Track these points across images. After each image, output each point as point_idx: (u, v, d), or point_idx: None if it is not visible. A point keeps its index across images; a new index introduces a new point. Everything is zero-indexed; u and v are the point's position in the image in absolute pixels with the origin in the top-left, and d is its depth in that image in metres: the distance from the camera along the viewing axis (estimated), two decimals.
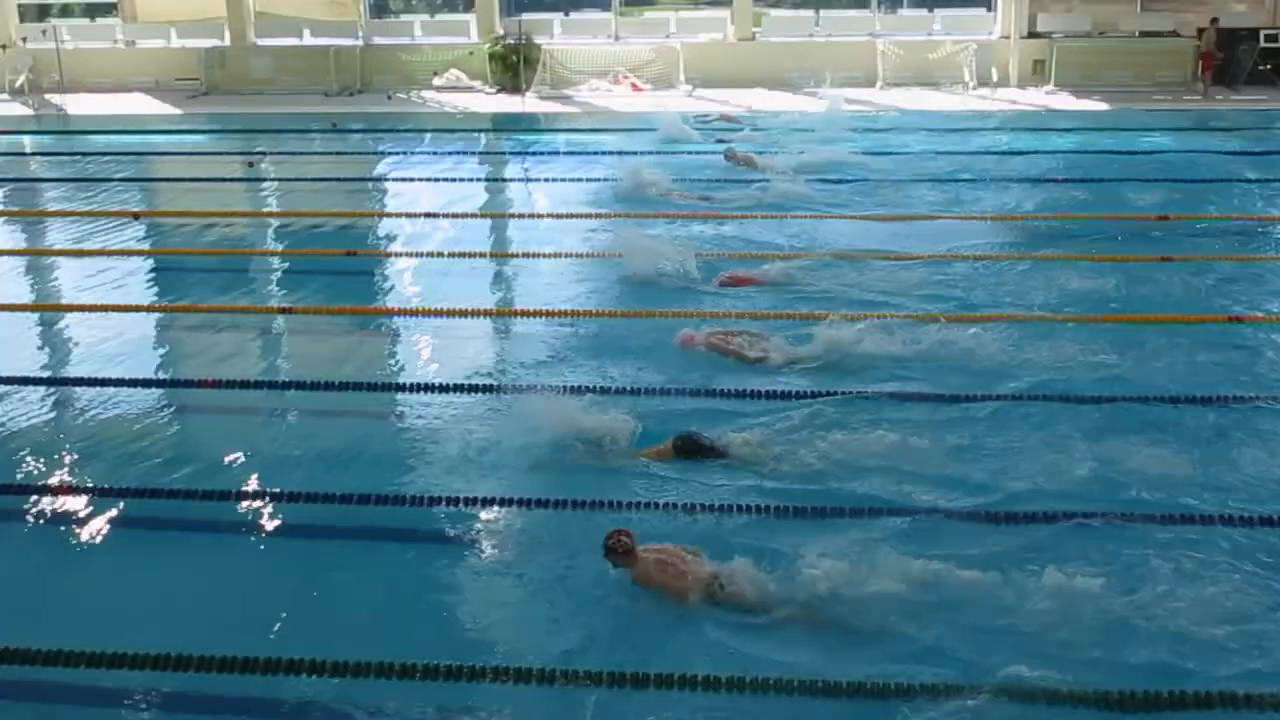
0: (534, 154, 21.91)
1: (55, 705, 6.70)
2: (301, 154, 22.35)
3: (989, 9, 28.95)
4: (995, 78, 27.66)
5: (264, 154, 22.39)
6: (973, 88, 27.44)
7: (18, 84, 29.63)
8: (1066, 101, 26.22)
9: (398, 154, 22.36)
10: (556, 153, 21.88)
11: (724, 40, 29.18)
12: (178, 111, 27.37)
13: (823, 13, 29.43)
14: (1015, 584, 7.07)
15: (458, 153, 22.22)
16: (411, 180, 19.94)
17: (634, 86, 28.22)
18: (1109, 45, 27.94)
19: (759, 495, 8.38)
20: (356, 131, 24.48)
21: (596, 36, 29.61)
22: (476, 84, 28.64)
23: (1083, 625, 6.73)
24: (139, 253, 15.96)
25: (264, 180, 20.92)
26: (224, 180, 20.74)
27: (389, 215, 17.98)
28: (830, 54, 28.44)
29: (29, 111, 28.04)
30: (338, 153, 22.35)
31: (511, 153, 22.33)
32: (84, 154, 23.27)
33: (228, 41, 29.86)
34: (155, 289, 14.52)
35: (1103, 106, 25.60)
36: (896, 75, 27.92)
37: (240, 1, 29.54)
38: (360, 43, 29.69)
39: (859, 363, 10.62)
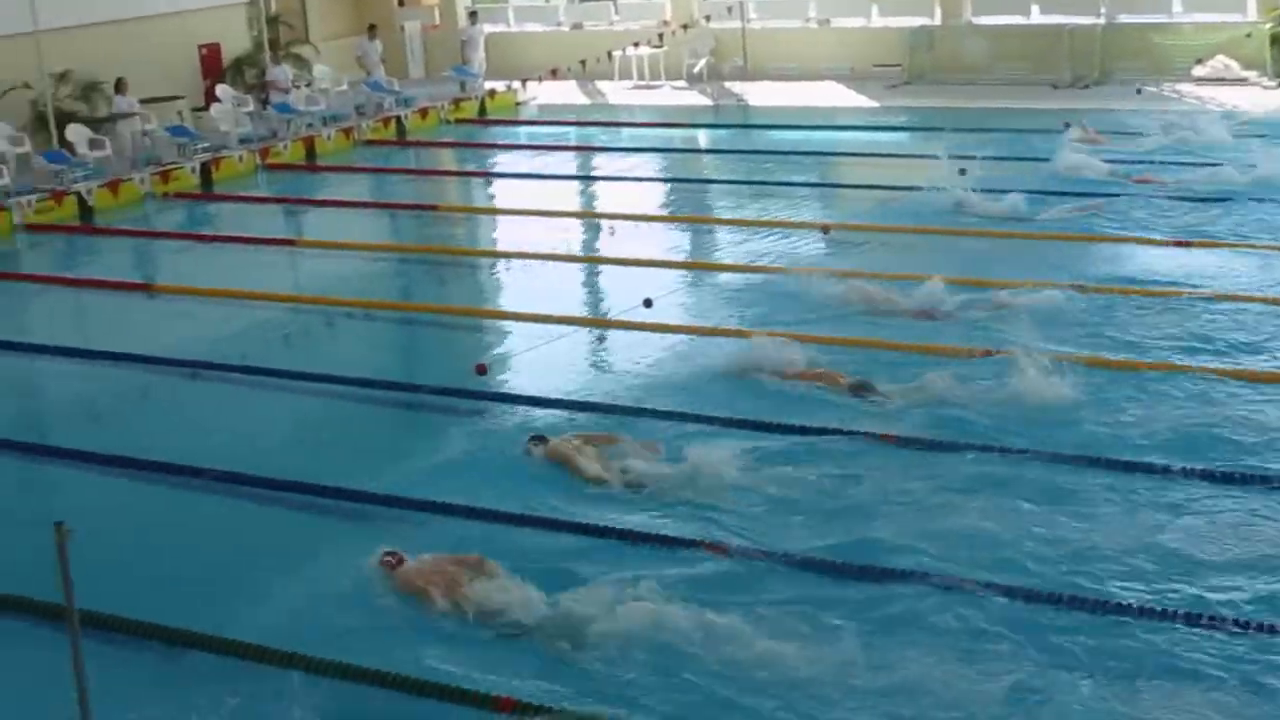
0: None
1: None
2: (1022, 159, 20.70)
3: None
4: None
5: (975, 158, 20.49)
6: None
7: (696, 69, 30.03)
8: None
9: (1140, 163, 19.80)
10: None
11: None
12: (875, 104, 27.15)
13: None
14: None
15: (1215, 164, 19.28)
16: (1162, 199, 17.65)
17: None
18: None
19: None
20: None
21: None
22: (1250, 75, 25.72)
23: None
24: (823, 271, 15.45)
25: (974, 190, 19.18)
26: (927, 190, 19.31)
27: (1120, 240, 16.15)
28: None
29: (707, 101, 28.60)
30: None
31: None
32: (765, 152, 23.60)
33: (938, 20, 29.19)
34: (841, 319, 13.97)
35: None
36: None
37: None
38: (1101, 21, 27.76)
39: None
